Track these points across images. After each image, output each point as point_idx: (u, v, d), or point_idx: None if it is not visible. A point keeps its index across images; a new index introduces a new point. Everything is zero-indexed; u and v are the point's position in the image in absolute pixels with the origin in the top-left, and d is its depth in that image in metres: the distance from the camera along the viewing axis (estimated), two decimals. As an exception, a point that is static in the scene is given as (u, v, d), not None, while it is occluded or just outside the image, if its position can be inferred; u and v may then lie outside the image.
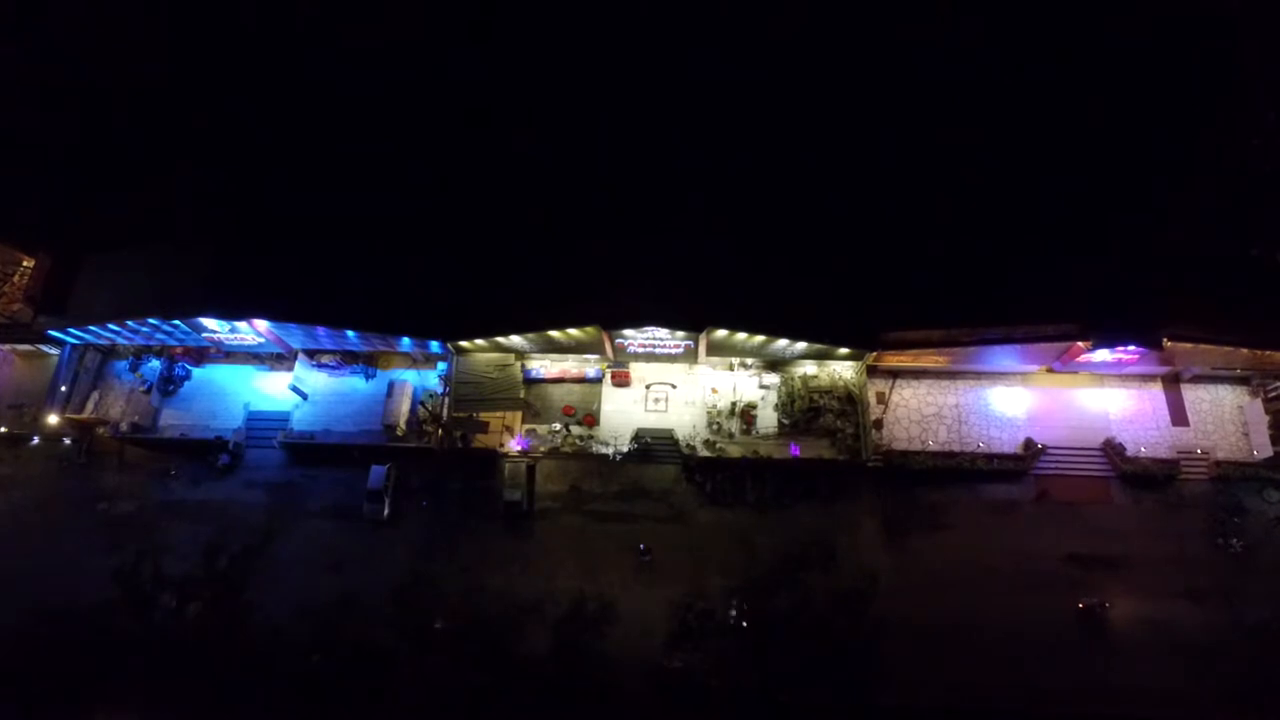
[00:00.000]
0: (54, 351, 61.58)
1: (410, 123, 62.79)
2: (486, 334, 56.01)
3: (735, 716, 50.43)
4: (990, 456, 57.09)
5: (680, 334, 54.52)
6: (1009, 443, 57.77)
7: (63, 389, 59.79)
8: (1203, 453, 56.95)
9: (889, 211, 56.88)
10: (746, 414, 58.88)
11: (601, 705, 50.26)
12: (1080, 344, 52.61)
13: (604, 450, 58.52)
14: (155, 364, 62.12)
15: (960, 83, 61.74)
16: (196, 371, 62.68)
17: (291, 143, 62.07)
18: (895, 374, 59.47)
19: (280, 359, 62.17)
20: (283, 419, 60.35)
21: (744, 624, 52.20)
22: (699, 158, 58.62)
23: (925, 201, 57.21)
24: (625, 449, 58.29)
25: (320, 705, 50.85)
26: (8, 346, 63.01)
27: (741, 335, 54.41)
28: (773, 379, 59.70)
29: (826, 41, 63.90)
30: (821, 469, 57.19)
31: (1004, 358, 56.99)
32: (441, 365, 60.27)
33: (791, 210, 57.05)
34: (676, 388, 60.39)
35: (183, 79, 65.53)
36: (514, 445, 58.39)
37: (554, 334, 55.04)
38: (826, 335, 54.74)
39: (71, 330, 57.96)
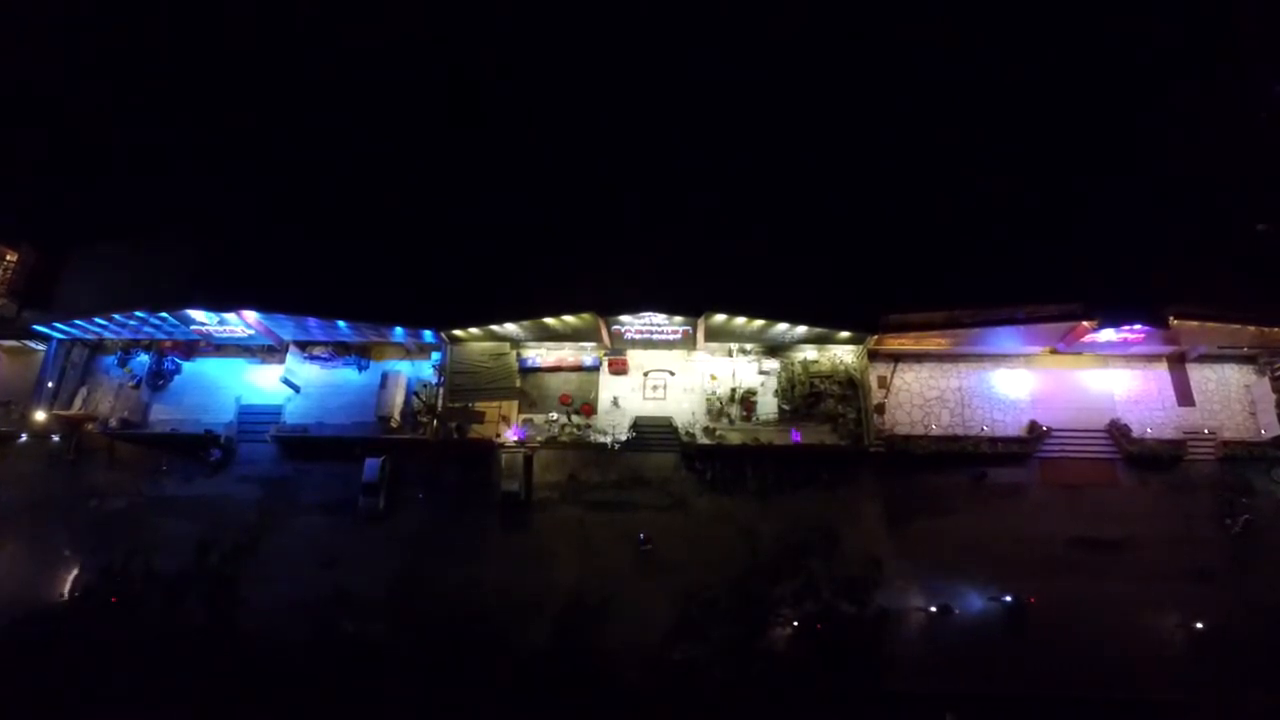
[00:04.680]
0: (40, 347, 60.46)
1: (404, 114, 61.78)
2: (480, 322, 54.95)
3: (738, 707, 49.77)
4: (994, 440, 56.27)
5: (678, 319, 53.56)
6: (1013, 425, 56.97)
7: (49, 385, 58.72)
8: (1209, 433, 56.15)
9: (890, 192, 56.00)
10: (746, 400, 58.00)
11: (602, 698, 49.54)
12: (1085, 324, 51.71)
13: (602, 439, 57.62)
14: (144, 358, 61.01)
15: (959, 64, 60.93)
16: (186, 365, 61.64)
17: (282, 134, 61.06)
18: (897, 358, 58.60)
19: (271, 351, 61.13)
20: (275, 413, 59.37)
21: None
22: (696, 141, 57.69)
23: (926, 182, 56.30)
24: (623, 438, 57.37)
25: (316, 702, 50.10)
26: (-8, 343, 61.93)
27: (740, 320, 53.42)
28: (772, 364, 58.81)
29: (825, 30, 63.08)
30: (823, 455, 56.37)
31: (1007, 339, 56.08)
32: (435, 355, 59.32)
33: (791, 192, 56.11)
34: (675, 375, 59.47)
35: (173, 71, 64.63)
36: (510, 435, 57.48)
37: (549, 321, 53.96)
38: (827, 318, 53.82)
39: (57, 325, 56.96)
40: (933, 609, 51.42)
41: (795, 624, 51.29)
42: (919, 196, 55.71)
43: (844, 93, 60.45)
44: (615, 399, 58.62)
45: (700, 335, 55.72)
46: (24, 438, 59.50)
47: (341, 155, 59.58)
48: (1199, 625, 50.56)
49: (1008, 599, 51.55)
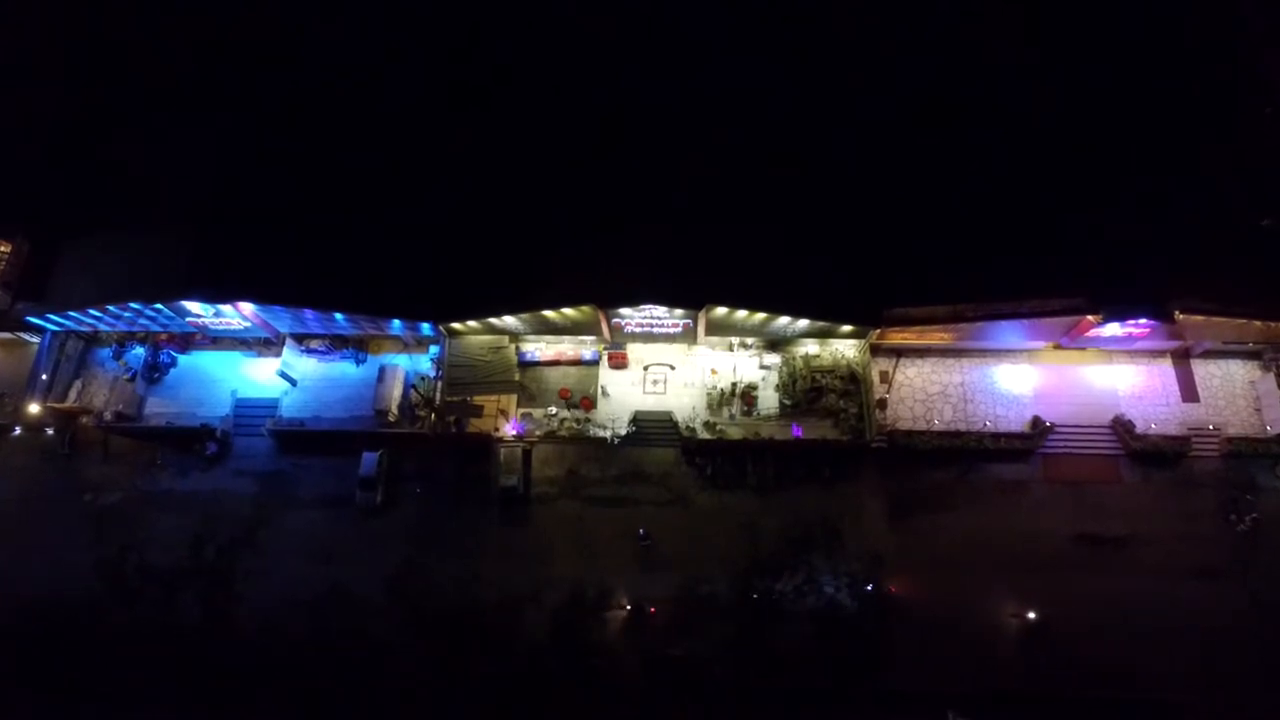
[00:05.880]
0: (34, 339, 59.96)
1: (403, 105, 61.08)
2: (479, 314, 54.48)
3: (738, 704, 49.35)
4: (997, 435, 55.76)
5: (678, 312, 53.05)
6: (1016, 421, 56.49)
7: (44, 378, 58.16)
8: (1214, 429, 55.70)
9: (892, 186, 55.41)
10: (747, 395, 57.50)
11: (601, 694, 49.08)
12: (1090, 318, 51.32)
13: (601, 434, 57.13)
14: (139, 351, 60.49)
15: (963, 58, 60.34)
16: (182, 358, 61.12)
17: (278, 124, 60.38)
18: (899, 352, 58.10)
19: (268, 344, 60.66)
20: (271, 406, 58.82)
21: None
22: (698, 133, 57.00)
23: (929, 175, 55.72)
24: (623, 432, 56.87)
25: (313, 697, 49.65)
26: (-14, 334, 61.26)
27: (741, 313, 52.91)
28: (773, 359, 58.32)
29: (828, 24, 62.43)
30: (824, 450, 55.92)
31: (1010, 334, 55.65)
32: (433, 349, 58.78)
33: (792, 185, 55.49)
34: (675, 369, 58.96)
35: (164, 60, 63.93)
36: (509, 430, 56.99)
37: (549, 314, 53.49)
38: (829, 312, 53.37)
39: (51, 317, 56.36)
40: (755, 596, 50.62)
41: (794, 618, 50.76)
42: (923, 189, 55.13)
43: (847, 85, 59.81)
44: (603, 387, 58.07)
45: (701, 329, 55.21)
46: (18, 431, 58.94)
47: (339, 146, 58.93)
48: (1031, 615, 50.45)
49: (869, 588, 50.90)
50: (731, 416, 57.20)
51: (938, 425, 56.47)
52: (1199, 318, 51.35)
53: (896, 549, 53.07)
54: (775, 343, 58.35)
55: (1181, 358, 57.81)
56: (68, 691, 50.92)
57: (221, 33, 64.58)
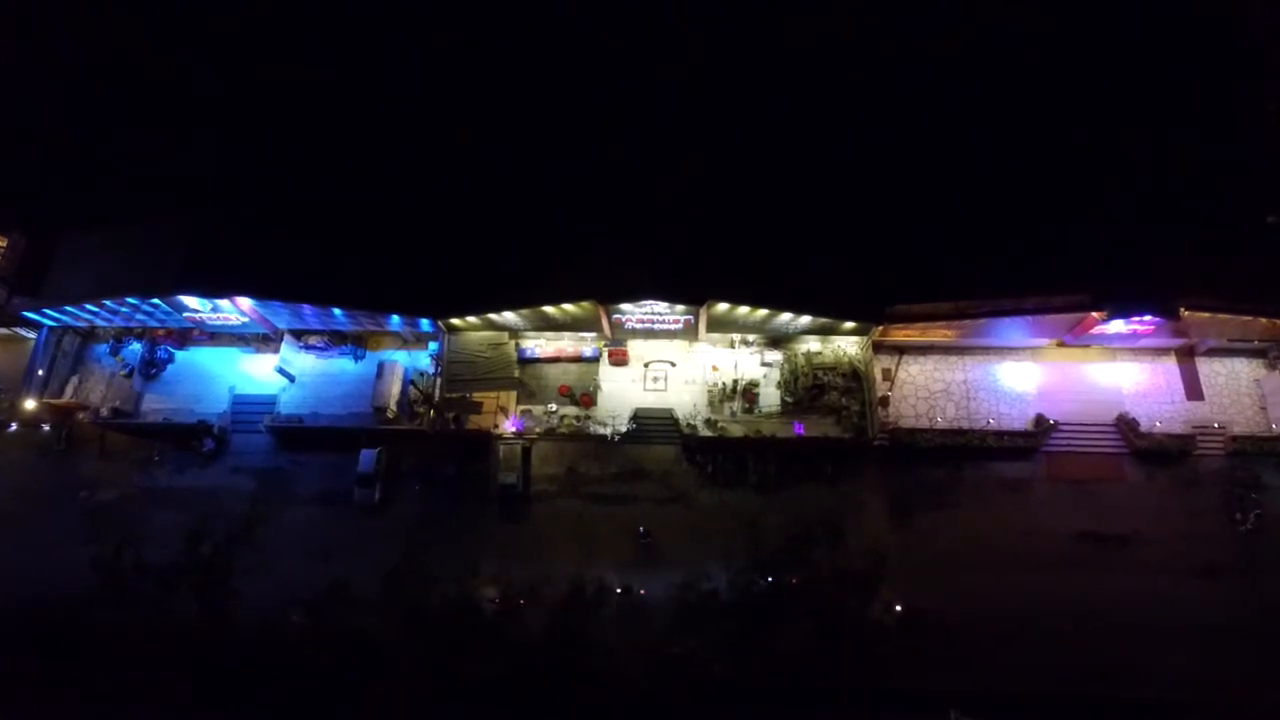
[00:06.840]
0: (30, 335, 59.73)
1: (401, 100, 60.80)
2: (478, 310, 54.08)
3: (738, 702, 48.90)
4: (1000, 433, 55.41)
5: (680, 308, 52.64)
6: (1019, 419, 56.13)
7: (40, 373, 57.98)
8: (1219, 427, 55.32)
9: (895, 181, 55.11)
10: (748, 392, 57.14)
11: (600, 692, 48.59)
12: (1094, 315, 50.98)
13: (602, 431, 56.75)
14: (137, 347, 60.23)
15: (967, 53, 60.09)
16: (180, 354, 60.84)
17: (277, 119, 60.13)
18: (901, 349, 57.83)
19: (266, 340, 60.31)
20: (269, 402, 58.48)
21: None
22: (697, 127, 56.75)
23: (933, 170, 55.43)
24: (624, 429, 56.50)
25: (311, 695, 49.18)
26: (-17, 330, 60.93)
27: (743, 310, 52.54)
28: (775, 356, 57.99)
29: (826, 13, 62.20)
30: (826, 448, 55.50)
31: (1014, 331, 55.29)
32: (433, 345, 58.45)
33: (794, 180, 55.21)
34: (676, 366, 58.62)
35: (163, 58, 63.68)
36: (508, 426, 56.60)
37: (549, 310, 53.12)
38: (831, 309, 53.04)
39: (48, 311, 56.08)
40: (618, 590, 50.89)
41: (795, 617, 50.30)
42: (926, 185, 54.84)
43: (850, 80, 59.56)
44: (603, 384, 57.68)
45: (702, 325, 54.83)
46: (14, 427, 58.59)
47: (337, 141, 58.65)
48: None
49: (770, 579, 50.13)
50: (733, 414, 56.82)
51: (940, 423, 56.13)
52: (1204, 315, 51.14)
53: (899, 547, 52.64)
54: (777, 339, 58.02)
55: (1186, 355, 57.47)
56: (66, 689, 50.46)
57: (221, 31, 64.32)
